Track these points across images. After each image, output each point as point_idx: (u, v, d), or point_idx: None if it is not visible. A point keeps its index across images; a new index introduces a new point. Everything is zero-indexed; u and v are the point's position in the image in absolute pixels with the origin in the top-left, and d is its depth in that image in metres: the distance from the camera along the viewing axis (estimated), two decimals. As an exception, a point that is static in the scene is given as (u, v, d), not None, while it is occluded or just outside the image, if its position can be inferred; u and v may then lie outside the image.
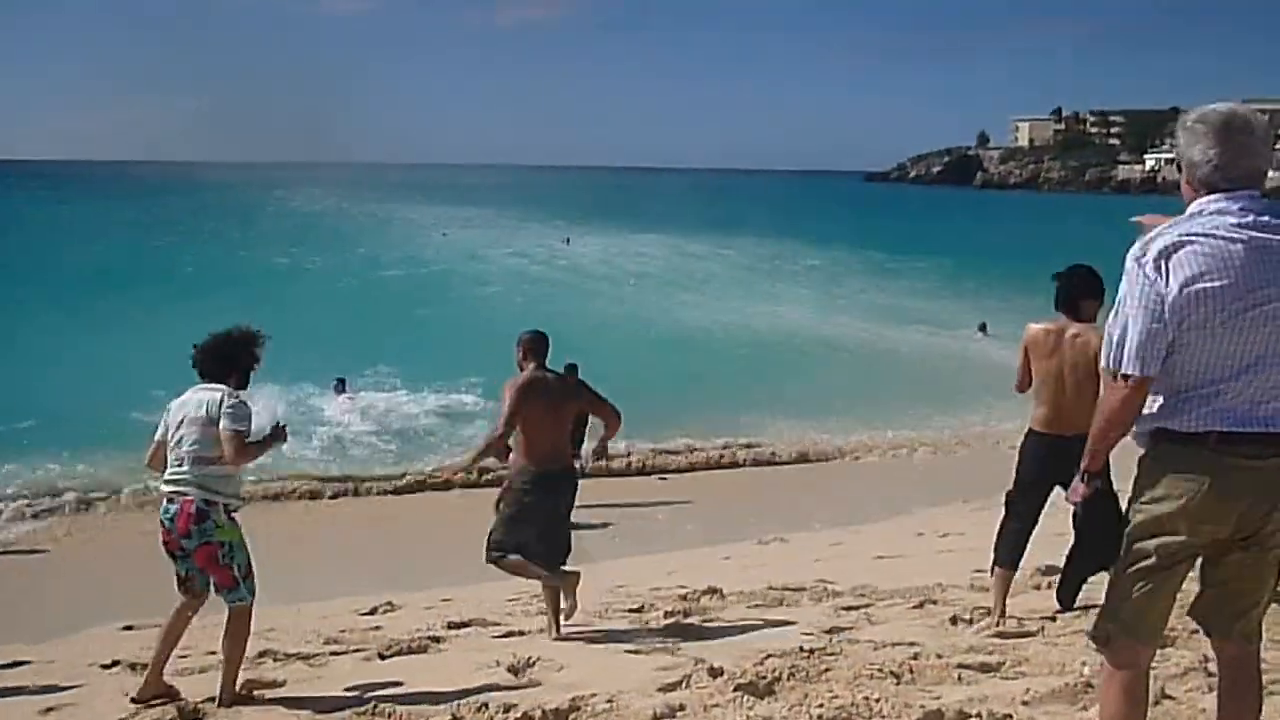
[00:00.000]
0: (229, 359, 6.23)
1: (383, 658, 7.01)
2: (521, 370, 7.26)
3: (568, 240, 56.74)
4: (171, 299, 30.79)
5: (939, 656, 5.53)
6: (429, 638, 7.34)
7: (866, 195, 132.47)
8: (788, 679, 5.34)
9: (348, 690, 6.17)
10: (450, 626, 7.80)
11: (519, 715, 5.11)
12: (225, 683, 6.11)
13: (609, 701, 5.28)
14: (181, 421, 6.14)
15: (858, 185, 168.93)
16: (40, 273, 38.72)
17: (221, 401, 6.05)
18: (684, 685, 5.55)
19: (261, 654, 7.24)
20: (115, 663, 7.45)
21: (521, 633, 7.39)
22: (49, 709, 6.22)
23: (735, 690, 5.25)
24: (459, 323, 29.14)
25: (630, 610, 8.05)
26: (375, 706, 5.54)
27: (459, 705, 5.39)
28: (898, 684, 5.10)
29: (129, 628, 9.06)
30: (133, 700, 6.05)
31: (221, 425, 5.99)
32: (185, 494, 6.03)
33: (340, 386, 19.48)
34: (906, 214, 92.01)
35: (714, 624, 7.34)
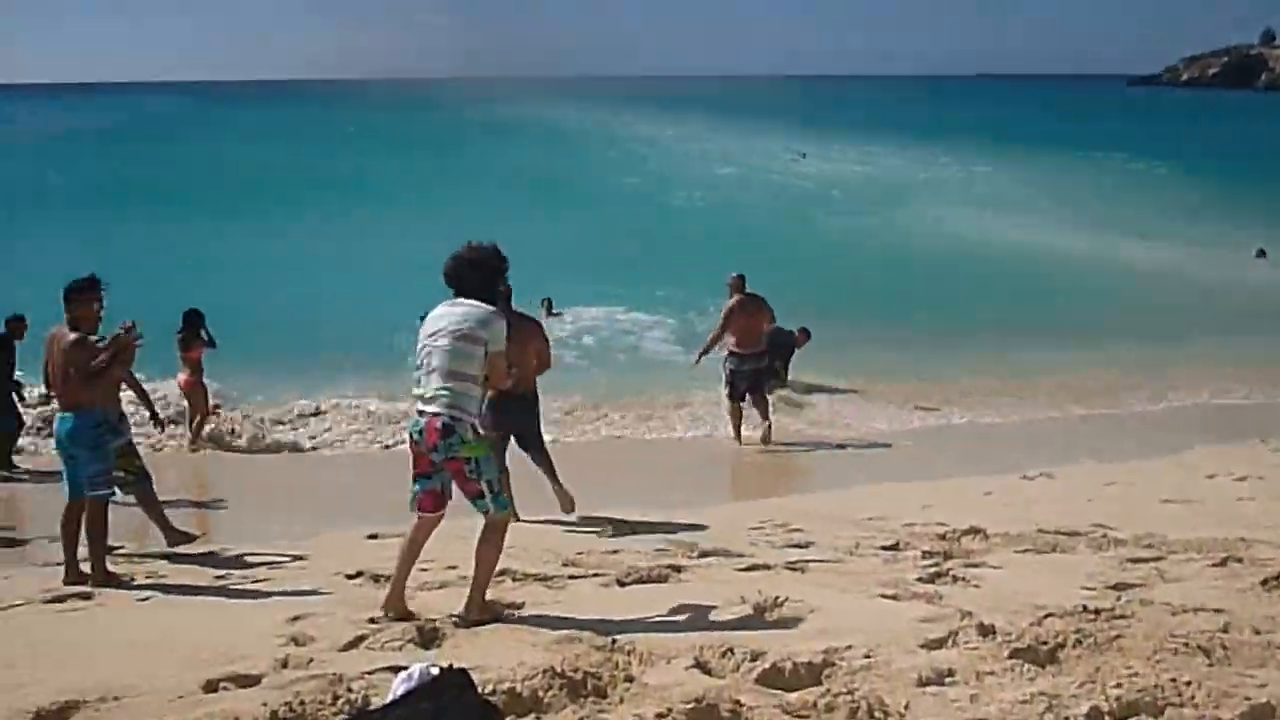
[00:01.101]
0: (492, 274, 6.08)
1: (621, 584, 6.74)
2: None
3: (803, 155, 54.52)
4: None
5: (1256, 632, 4.78)
6: (669, 566, 7.01)
7: (1130, 101, 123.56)
8: (1072, 646, 4.73)
9: (586, 616, 5.88)
10: (692, 555, 7.44)
11: (767, 666, 4.66)
12: (473, 593, 6.00)
13: (866, 656, 4.79)
14: (435, 334, 5.97)
15: (1119, 91, 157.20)
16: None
17: (487, 321, 5.91)
18: (950, 643, 4.99)
19: (501, 572, 7.08)
20: (359, 573, 7.44)
21: (767, 566, 6.95)
22: (295, 617, 6.18)
23: (1011, 656, 4.67)
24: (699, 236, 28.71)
25: (883, 547, 7.51)
26: (614, 640, 5.20)
27: (702, 648, 4.98)
28: (1209, 663, 4.40)
29: (374, 536, 9.09)
30: (370, 620, 5.92)
31: (490, 345, 5.89)
32: (433, 410, 5.91)
33: (549, 306, 19.27)
34: (1173, 118, 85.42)
35: (978, 569, 6.70)
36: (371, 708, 3.77)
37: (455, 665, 3.77)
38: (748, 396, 13.07)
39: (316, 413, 14.34)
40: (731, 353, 13.09)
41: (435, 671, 3.59)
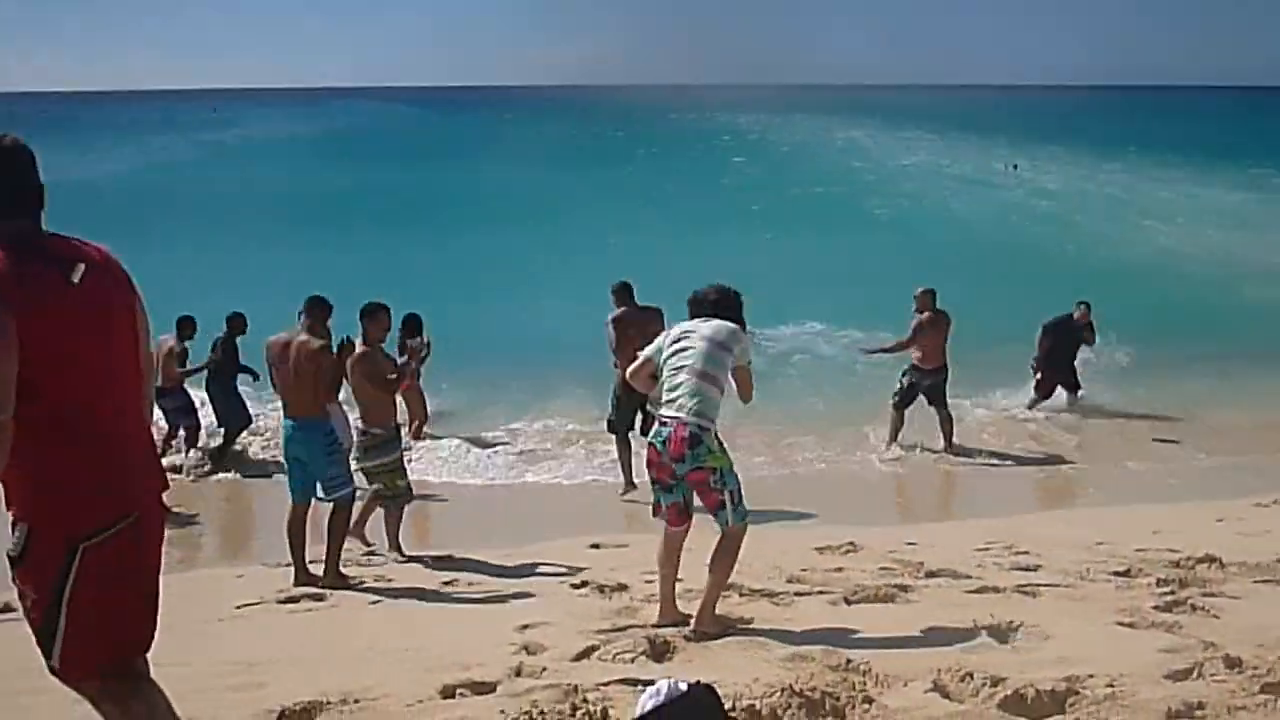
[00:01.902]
0: (739, 306, 6.43)
1: (849, 603, 6.76)
2: None
3: (1015, 166, 52.85)
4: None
5: None
6: (896, 585, 7.00)
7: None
8: (1330, 682, 4.55)
9: (816, 635, 5.93)
10: (918, 574, 7.41)
11: (1009, 692, 4.64)
12: (705, 604, 6.15)
13: (1110, 685, 4.71)
14: (683, 344, 6.19)
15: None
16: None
17: (738, 334, 6.20)
18: (1196, 674, 4.88)
19: (727, 587, 7.20)
20: (585, 583, 7.66)
21: (997, 589, 6.86)
22: (525, 625, 6.39)
23: (1262, 690, 4.53)
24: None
25: (1115, 573, 7.31)
26: (849, 660, 5.24)
27: (939, 671, 4.98)
28: None
29: (596, 545, 9.34)
30: (598, 631, 6.09)
31: (738, 356, 6.16)
32: (680, 418, 6.08)
33: None
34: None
35: (1216, 599, 6.48)
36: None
37: (702, 682, 3.89)
38: (931, 409, 13.17)
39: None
40: (915, 367, 13.17)
41: (683, 688, 3.71)
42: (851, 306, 19.97)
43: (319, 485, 8.36)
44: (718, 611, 6.30)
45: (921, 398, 13.20)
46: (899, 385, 13.27)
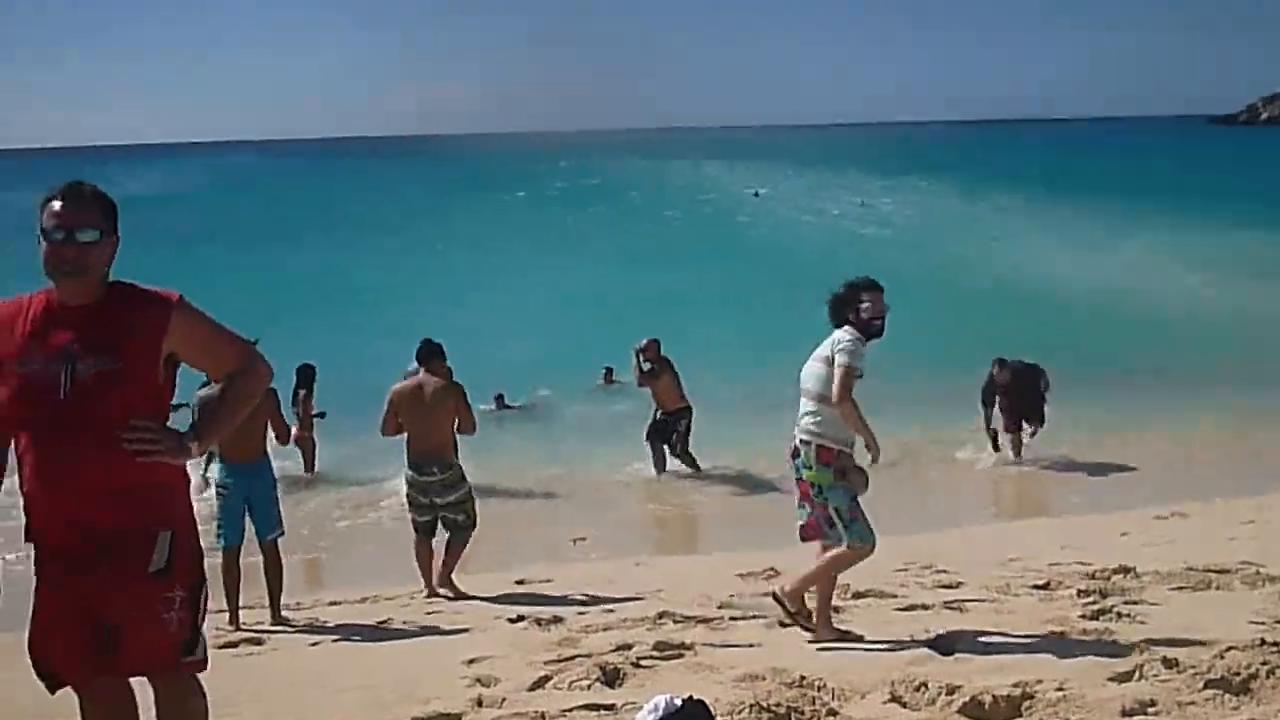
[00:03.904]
0: (839, 305, 6.36)
1: (783, 625, 6.85)
2: None
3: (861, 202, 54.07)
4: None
5: None
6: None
7: (1220, 141, 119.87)
8: (1265, 677, 4.79)
9: (757, 655, 6.04)
10: (846, 595, 7.56)
11: (966, 699, 4.80)
12: (820, 614, 6.39)
13: (1059, 690, 4.91)
14: (807, 361, 6.39)
15: (1203, 129, 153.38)
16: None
17: (838, 339, 6.24)
18: (1138, 676, 5.10)
19: (660, 615, 7.27)
20: (520, 617, 7.66)
21: (925, 606, 7.06)
22: (471, 660, 6.37)
23: (1206, 687, 4.76)
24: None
25: (1036, 586, 7.58)
26: (801, 677, 5.34)
27: (894, 683, 5.12)
28: None
29: (521, 581, 9.31)
30: (546, 662, 6.11)
31: (835, 358, 6.17)
32: (795, 432, 6.35)
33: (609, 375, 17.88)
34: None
35: (1138, 606, 6.76)
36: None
37: (695, 697, 3.95)
38: None
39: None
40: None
41: (678, 703, 3.78)
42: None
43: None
44: (657, 640, 6.38)
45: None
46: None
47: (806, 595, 6.51)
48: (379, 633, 7.88)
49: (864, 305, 6.26)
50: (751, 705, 4.75)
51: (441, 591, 8.85)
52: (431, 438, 8.71)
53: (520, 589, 9.03)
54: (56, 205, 3.43)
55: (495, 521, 12.01)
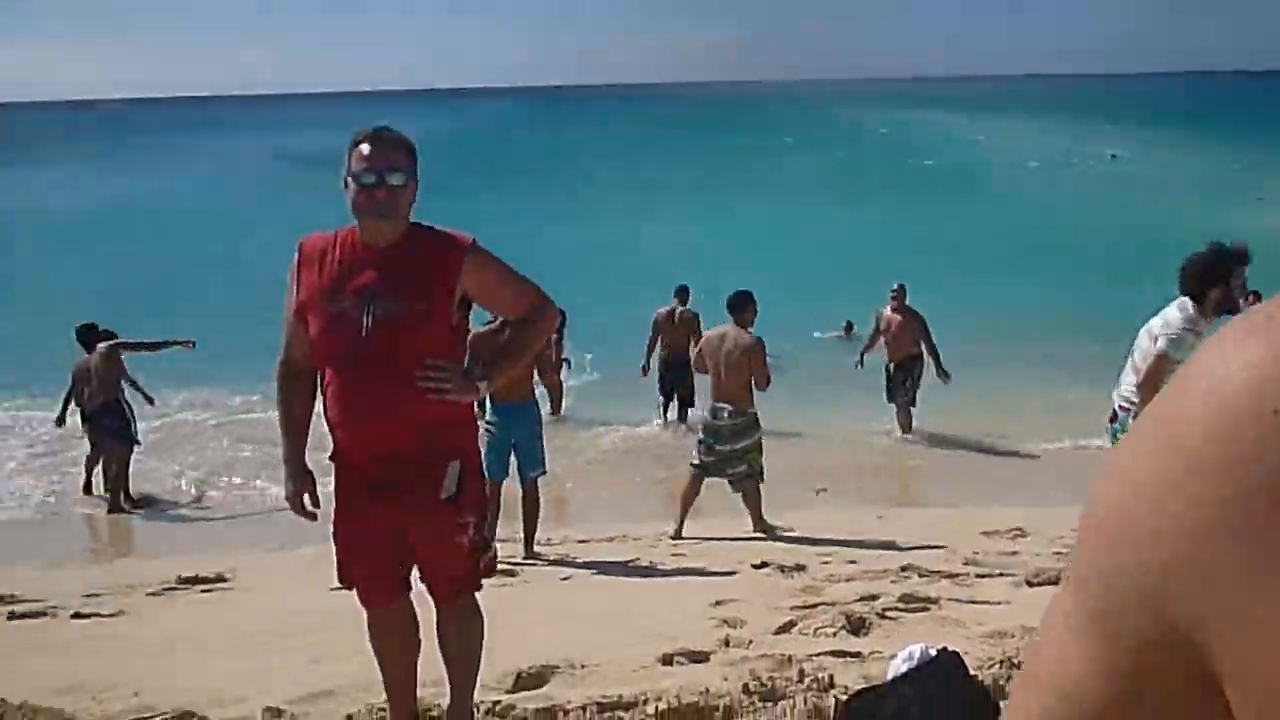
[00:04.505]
0: (1193, 277, 5.89)
1: (1030, 585, 6.77)
2: None
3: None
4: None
5: None
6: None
7: None
8: None
9: (1005, 613, 5.98)
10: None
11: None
12: None
13: None
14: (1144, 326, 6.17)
15: None
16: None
17: (1170, 322, 5.89)
18: None
19: (904, 569, 7.29)
20: (764, 563, 7.78)
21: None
22: (718, 601, 6.55)
23: None
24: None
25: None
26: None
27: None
28: None
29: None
30: (792, 608, 6.21)
31: (1158, 342, 5.87)
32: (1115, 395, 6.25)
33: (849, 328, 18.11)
34: None
35: None
36: (873, 684, 4.03)
37: (949, 648, 3.97)
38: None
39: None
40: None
41: (933, 653, 3.81)
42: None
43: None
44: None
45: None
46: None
47: None
48: (627, 570, 8.15)
49: (1235, 281, 5.75)
50: (1001, 661, 4.72)
51: (757, 534, 9.15)
52: (726, 384, 9.02)
53: (761, 535, 9.18)
54: (366, 149, 3.57)
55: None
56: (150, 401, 12.29)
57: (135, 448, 11.71)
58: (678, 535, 9.06)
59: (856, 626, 5.87)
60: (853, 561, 7.83)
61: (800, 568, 7.57)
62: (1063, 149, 55.73)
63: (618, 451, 13.31)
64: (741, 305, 9.16)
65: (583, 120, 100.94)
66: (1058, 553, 7.76)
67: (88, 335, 11.73)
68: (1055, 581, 6.73)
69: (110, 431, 11.52)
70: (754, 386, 9.01)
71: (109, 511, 11.48)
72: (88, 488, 12.09)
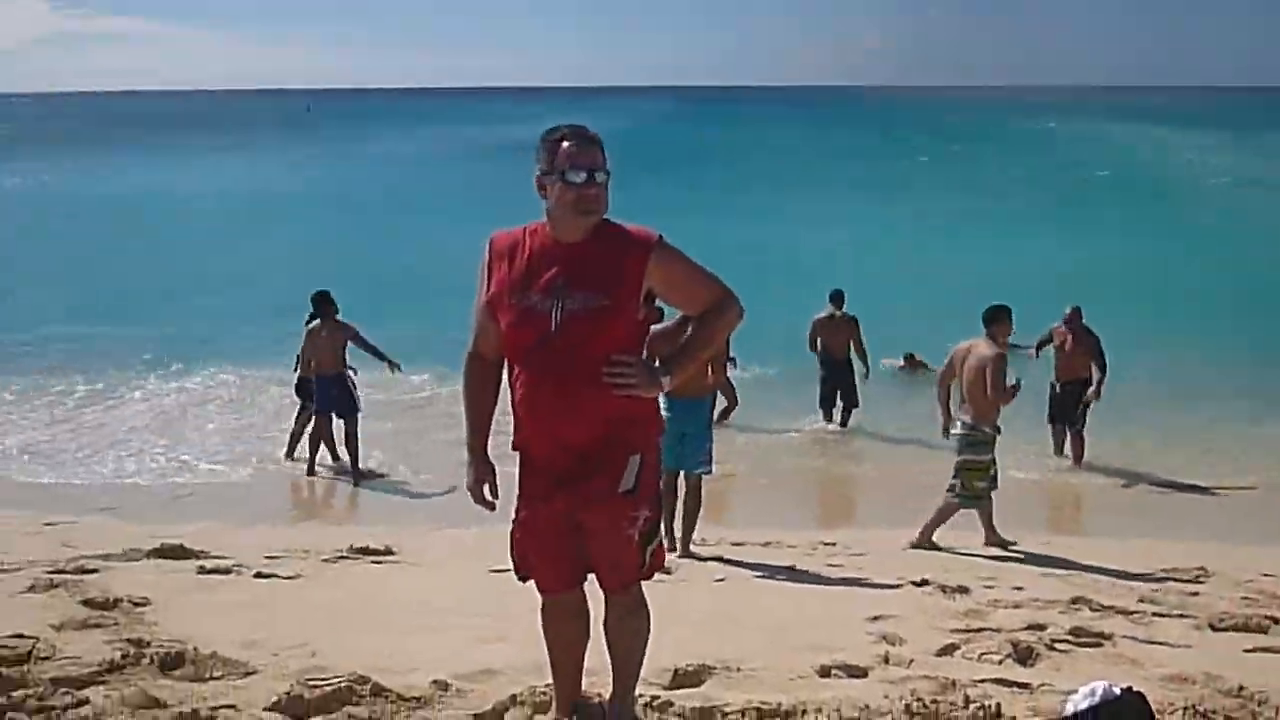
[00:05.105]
0: None
1: (1214, 629, 6.47)
2: None
3: None
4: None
5: None
6: (1268, 616, 6.63)
7: None
8: None
9: (1183, 657, 5.72)
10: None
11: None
12: None
13: None
14: None
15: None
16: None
17: None
18: None
19: (1075, 600, 7.05)
20: (925, 581, 7.60)
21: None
22: (876, 616, 6.42)
23: None
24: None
25: None
26: (1240, 687, 4.99)
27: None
28: None
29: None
30: (954, 630, 6.05)
31: None
32: None
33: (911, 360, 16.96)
34: None
35: None
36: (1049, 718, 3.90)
37: (1134, 688, 3.82)
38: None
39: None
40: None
41: (1117, 691, 3.67)
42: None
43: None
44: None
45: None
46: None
47: None
48: (782, 576, 8.07)
49: None
50: (1185, 709, 4.51)
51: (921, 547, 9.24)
52: (967, 395, 9.22)
53: (916, 552, 9.02)
54: (570, 146, 3.61)
55: (895, 480, 12.11)
56: (395, 367, 12.39)
57: (358, 416, 12.02)
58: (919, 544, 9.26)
59: (1024, 656, 5.68)
60: (1019, 588, 7.60)
61: (963, 589, 7.36)
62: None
63: (775, 451, 13.27)
64: (994, 319, 9.28)
65: (745, 121, 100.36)
66: (1246, 597, 7.42)
67: (321, 303, 12.06)
68: (1241, 628, 6.45)
69: (337, 401, 11.91)
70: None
71: (354, 484, 11.88)
72: (290, 453, 12.55)
